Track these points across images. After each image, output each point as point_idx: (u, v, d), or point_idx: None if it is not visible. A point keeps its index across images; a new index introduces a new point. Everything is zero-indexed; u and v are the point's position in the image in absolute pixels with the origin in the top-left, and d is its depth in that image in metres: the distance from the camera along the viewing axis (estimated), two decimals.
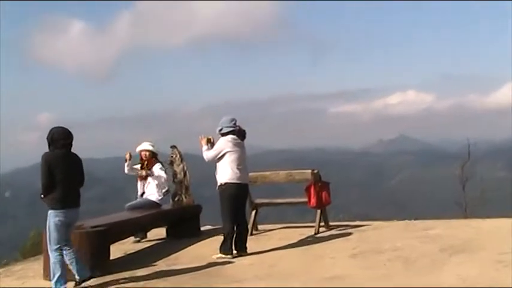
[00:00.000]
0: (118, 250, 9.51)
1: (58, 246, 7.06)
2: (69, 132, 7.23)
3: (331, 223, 11.00)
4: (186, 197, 11.08)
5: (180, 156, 11.15)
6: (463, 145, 19.74)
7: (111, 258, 8.55)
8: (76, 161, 7.33)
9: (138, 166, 11.04)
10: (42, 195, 7.04)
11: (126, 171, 11.01)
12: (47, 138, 7.12)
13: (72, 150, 7.29)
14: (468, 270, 6.95)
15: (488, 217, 11.51)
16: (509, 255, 7.48)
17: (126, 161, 10.93)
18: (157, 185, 10.79)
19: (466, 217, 13.60)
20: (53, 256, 7.08)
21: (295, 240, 9.74)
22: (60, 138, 7.10)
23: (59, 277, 7.01)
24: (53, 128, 7.21)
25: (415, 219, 11.94)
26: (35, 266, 9.07)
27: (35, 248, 11.34)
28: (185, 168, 11.10)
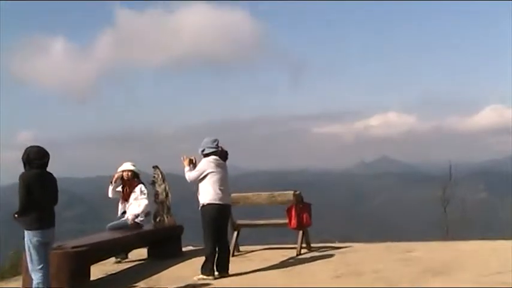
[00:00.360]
0: (99, 271, 9.44)
1: (41, 266, 6.98)
2: (45, 152, 7.13)
3: (312, 245, 11.01)
4: (167, 218, 11.04)
5: (162, 176, 11.14)
6: (444, 167, 19.87)
7: (92, 279, 8.48)
8: (51, 180, 7.23)
9: (120, 187, 10.99)
10: (15, 215, 6.94)
11: (110, 194, 10.97)
12: (22, 158, 7.01)
13: (52, 169, 7.22)
14: None
15: (469, 239, 11.59)
16: (489, 277, 7.56)
17: (111, 183, 10.89)
18: (138, 205, 10.73)
19: (447, 239, 13.67)
20: (35, 276, 6.99)
21: (277, 262, 9.73)
22: (36, 158, 7.00)
23: None
24: (28, 148, 7.10)
25: (397, 241, 11.98)
26: (14, 287, 8.97)
27: (14, 269, 11.20)
28: (167, 188, 11.08)
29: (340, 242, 12.04)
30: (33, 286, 7.00)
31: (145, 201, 10.74)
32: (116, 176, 10.91)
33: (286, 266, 9.40)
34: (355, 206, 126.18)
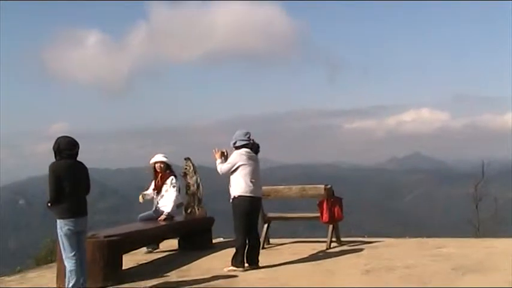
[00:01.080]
0: (130, 260, 9.56)
1: (73, 253, 7.10)
2: (75, 142, 7.21)
3: (342, 239, 11.00)
4: (198, 209, 11.11)
5: (194, 168, 11.20)
6: (476, 164, 19.70)
7: (124, 268, 8.59)
8: (82, 170, 7.31)
9: (152, 186, 11.09)
10: (49, 204, 7.07)
11: (140, 200, 11.08)
12: (53, 148, 7.10)
13: (85, 160, 7.32)
14: None
15: (502, 237, 11.46)
16: None
17: (142, 196, 11.02)
18: (172, 196, 10.80)
19: (478, 236, 13.54)
20: (69, 264, 7.11)
21: (306, 255, 9.74)
22: (66, 149, 7.09)
23: (74, 284, 7.06)
24: (58, 138, 7.19)
25: (428, 237, 11.90)
26: (49, 274, 9.13)
27: (49, 256, 11.42)
28: (198, 180, 11.14)
29: (370, 237, 12.01)
30: (67, 273, 7.14)
31: (174, 194, 10.79)
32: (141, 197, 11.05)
33: (316, 260, 9.39)
34: (386, 202, 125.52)
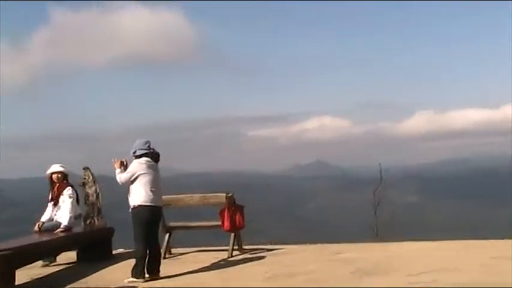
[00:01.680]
0: (24, 275, 9.16)
1: None
2: None
3: (245, 247, 11.03)
4: (98, 220, 10.85)
5: (93, 178, 10.95)
6: (376, 170, 20.29)
7: (17, 283, 8.23)
8: None
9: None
10: None
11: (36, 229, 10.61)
12: None
13: None
14: None
15: (398, 241, 11.83)
16: (417, 277, 7.73)
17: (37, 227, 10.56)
18: (67, 208, 10.47)
19: (377, 241, 13.92)
20: None
21: (208, 264, 9.71)
22: None
23: None
24: None
25: (329, 242, 12.12)
26: None
27: None
28: (98, 190, 10.89)
29: (273, 244, 12.10)
30: None
31: (70, 206, 10.46)
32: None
33: (218, 268, 9.37)
34: (290, 209, 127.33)
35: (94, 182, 10.92)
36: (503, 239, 11.92)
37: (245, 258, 10.21)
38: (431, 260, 9.09)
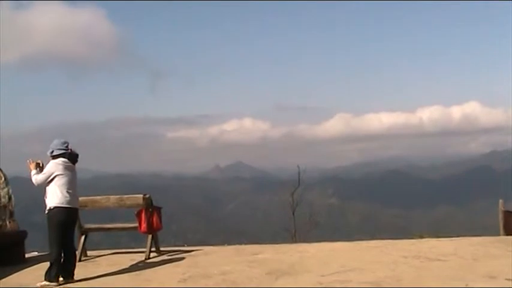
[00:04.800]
0: None
1: None
2: None
3: (163, 248, 11.01)
4: (10, 222, 10.58)
5: (5, 179, 10.66)
6: (295, 172, 20.65)
7: None
8: None
9: None
10: None
11: None
12: None
13: None
14: None
15: (316, 241, 12.09)
16: (330, 277, 7.96)
17: None
18: None
19: (294, 242, 14.18)
20: None
21: (125, 266, 9.64)
22: None
23: None
24: None
25: (248, 244, 12.25)
26: None
27: None
28: (10, 192, 10.62)
29: (191, 245, 12.12)
30: None
31: None
32: None
33: (134, 270, 9.32)
34: (210, 210, 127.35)
35: (6, 184, 10.65)
36: (414, 238, 12.41)
37: (162, 260, 10.19)
38: (345, 260, 9.36)
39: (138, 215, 10.25)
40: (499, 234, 13.41)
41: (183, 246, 12.07)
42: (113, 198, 10.68)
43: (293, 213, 18.01)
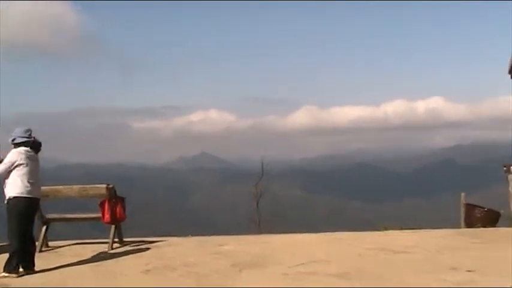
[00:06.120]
0: None
1: None
2: None
3: (127, 239, 10.89)
4: None
5: None
6: (260, 164, 20.64)
7: None
8: None
9: None
10: None
11: None
12: None
13: None
14: (257, 284, 7.21)
15: (280, 233, 12.08)
16: (296, 268, 7.96)
17: None
18: None
19: (260, 233, 14.16)
20: None
21: (87, 257, 9.51)
22: None
23: None
24: None
25: (212, 235, 12.19)
26: None
27: None
28: None
29: (157, 236, 12.02)
30: None
31: None
32: None
33: (97, 261, 9.19)
34: (175, 201, 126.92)
35: None
36: (380, 231, 12.51)
37: (125, 251, 10.08)
38: (310, 251, 9.38)
39: (102, 205, 10.13)
40: (461, 227, 13.64)
41: (149, 237, 11.96)
42: (76, 188, 10.51)
43: (257, 205, 18.02)
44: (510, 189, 13.55)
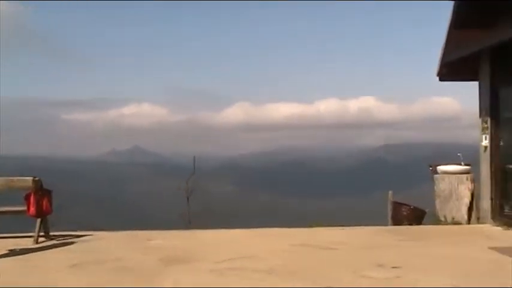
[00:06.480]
0: None
1: None
2: None
3: (53, 233, 10.68)
4: None
5: None
6: (193, 159, 20.56)
7: None
8: None
9: None
10: None
11: None
12: None
13: None
14: (182, 280, 7.19)
15: (210, 229, 12.11)
16: (223, 263, 8.01)
17: None
18: None
19: (189, 228, 14.11)
20: None
21: (9, 251, 9.26)
22: None
23: None
24: None
25: (143, 229, 12.09)
26: None
27: None
28: None
29: (83, 231, 11.82)
30: None
31: None
32: None
33: (21, 255, 8.97)
34: (106, 195, 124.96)
35: None
36: (309, 227, 12.68)
37: (52, 245, 9.90)
38: (239, 247, 9.46)
39: (27, 198, 9.91)
40: (387, 224, 13.96)
41: (76, 231, 11.75)
42: (1, 179, 10.23)
43: (188, 200, 17.95)
44: (435, 188, 14.02)
